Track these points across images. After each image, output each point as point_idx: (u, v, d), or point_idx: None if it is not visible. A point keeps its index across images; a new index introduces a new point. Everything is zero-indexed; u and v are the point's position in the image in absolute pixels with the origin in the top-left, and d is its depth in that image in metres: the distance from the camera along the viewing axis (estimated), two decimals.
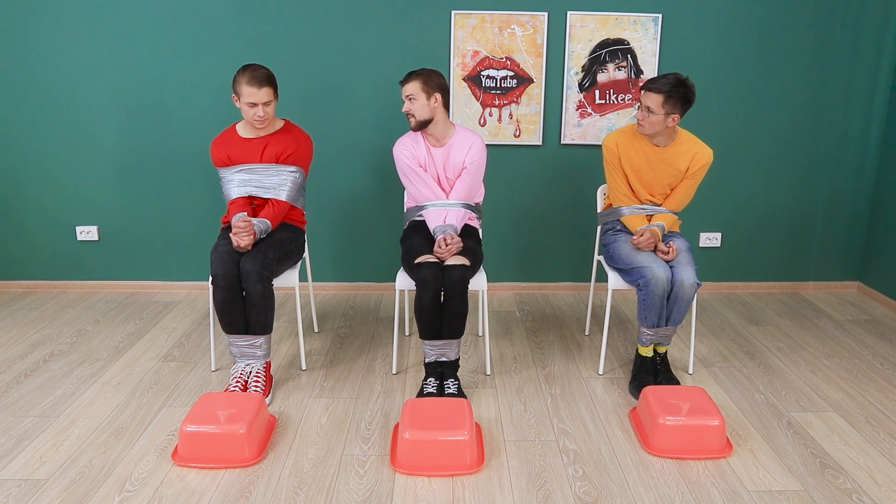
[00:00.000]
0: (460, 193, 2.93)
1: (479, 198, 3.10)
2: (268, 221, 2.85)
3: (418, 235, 2.92)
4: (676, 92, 2.69)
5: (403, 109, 2.84)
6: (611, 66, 3.75)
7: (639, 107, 2.80)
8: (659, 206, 2.97)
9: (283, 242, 2.87)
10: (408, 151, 2.92)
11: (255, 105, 2.75)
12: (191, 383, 2.90)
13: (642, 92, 2.76)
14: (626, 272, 2.85)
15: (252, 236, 2.75)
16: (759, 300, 4.00)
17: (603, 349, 3.02)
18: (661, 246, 2.83)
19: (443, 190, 2.96)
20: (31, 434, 2.49)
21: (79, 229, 3.97)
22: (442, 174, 2.95)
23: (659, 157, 2.88)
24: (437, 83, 2.80)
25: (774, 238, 4.09)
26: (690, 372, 3.03)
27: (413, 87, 2.79)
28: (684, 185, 2.92)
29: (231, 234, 2.75)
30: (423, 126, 2.86)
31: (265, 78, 2.74)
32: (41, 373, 2.98)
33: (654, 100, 2.71)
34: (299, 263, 3.07)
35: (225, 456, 2.29)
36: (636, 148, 2.90)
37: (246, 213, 2.85)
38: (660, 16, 3.69)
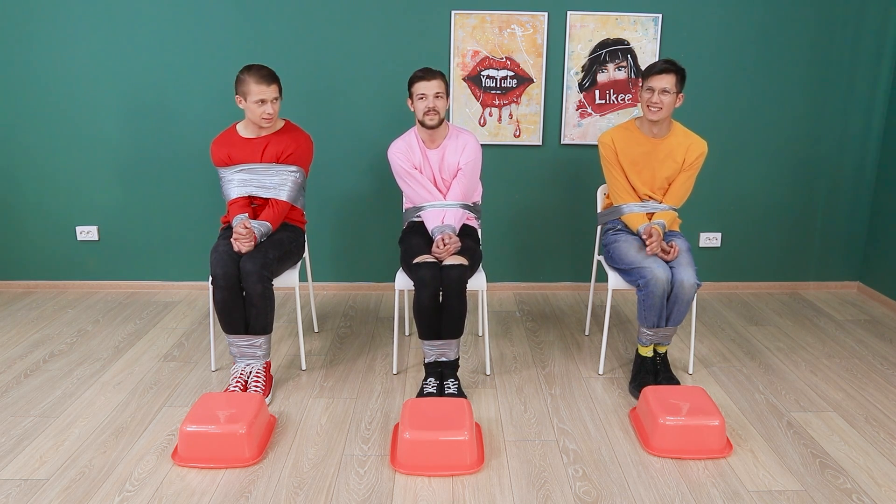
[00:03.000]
0: (458, 194, 2.93)
1: (477, 196, 3.09)
2: (268, 224, 2.85)
3: (417, 236, 2.92)
4: (682, 70, 2.80)
5: (429, 105, 2.79)
6: (611, 66, 3.75)
7: (649, 91, 2.79)
8: (659, 202, 2.97)
9: (283, 242, 2.87)
10: (402, 155, 2.92)
11: (264, 102, 2.75)
12: (191, 383, 2.90)
13: (653, 77, 2.78)
14: (626, 272, 2.85)
15: (253, 242, 2.76)
16: (759, 300, 4.00)
17: (603, 349, 3.02)
18: (663, 245, 2.83)
19: (439, 191, 2.96)
20: (31, 434, 2.49)
21: (79, 229, 3.97)
22: (438, 175, 2.95)
23: (655, 149, 2.89)
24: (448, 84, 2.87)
25: (774, 238, 4.09)
26: (690, 372, 3.03)
27: (440, 85, 2.79)
28: (682, 178, 2.93)
29: (232, 240, 2.76)
30: (439, 124, 2.86)
31: (272, 75, 2.76)
32: (41, 373, 2.98)
33: (670, 80, 2.77)
34: (299, 263, 3.07)
35: (225, 456, 2.29)
36: (632, 142, 2.90)
37: (247, 216, 2.85)
38: (660, 16, 3.69)
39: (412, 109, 2.86)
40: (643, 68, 3.75)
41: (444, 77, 2.81)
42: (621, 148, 2.92)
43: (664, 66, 2.78)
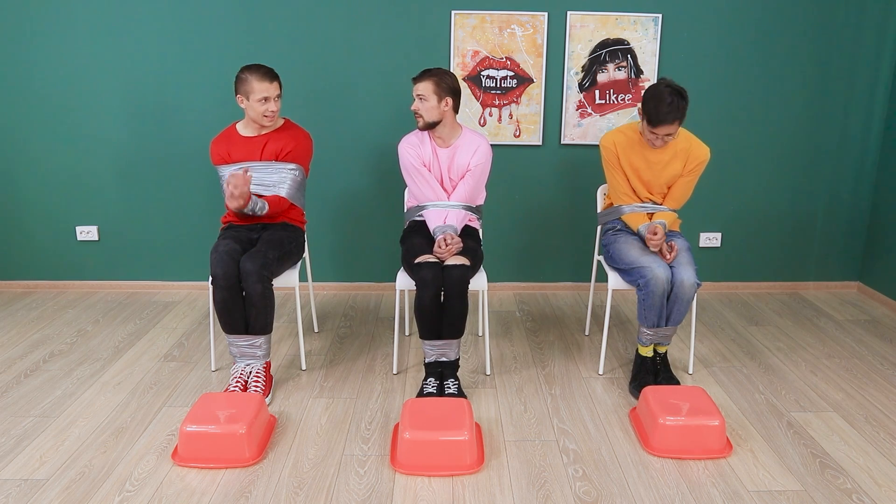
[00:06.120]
0: (462, 195, 2.93)
1: (480, 200, 3.09)
2: (266, 203, 2.83)
3: (418, 235, 2.92)
4: (685, 109, 2.70)
5: (412, 108, 2.83)
6: (611, 66, 3.75)
7: (653, 133, 2.74)
8: (659, 204, 2.97)
9: (283, 242, 2.87)
10: (413, 150, 2.92)
11: (267, 100, 2.78)
12: (191, 383, 2.90)
13: (661, 126, 2.68)
14: (626, 272, 2.85)
15: (247, 189, 2.67)
16: (759, 300, 4.00)
17: (603, 349, 3.02)
18: (663, 246, 2.83)
19: (445, 191, 2.96)
20: (31, 434, 2.49)
21: (79, 229, 3.97)
22: (446, 175, 2.95)
23: (656, 157, 2.88)
24: (449, 86, 2.79)
25: (774, 238, 4.09)
26: (690, 372, 3.03)
27: (425, 88, 2.78)
28: (682, 183, 2.92)
29: (226, 184, 2.74)
30: (430, 127, 2.85)
31: (273, 72, 2.79)
32: (41, 373, 2.98)
33: (675, 127, 2.71)
34: (299, 263, 3.07)
35: (225, 456, 2.29)
36: (633, 148, 2.90)
37: (244, 171, 2.74)
38: (660, 16, 3.69)
39: None
40: (643, 68, 3.75)
41: (436, 78, 2.77)
42: (623, 152, 2.91)
43: (666, 115, 2.65)
